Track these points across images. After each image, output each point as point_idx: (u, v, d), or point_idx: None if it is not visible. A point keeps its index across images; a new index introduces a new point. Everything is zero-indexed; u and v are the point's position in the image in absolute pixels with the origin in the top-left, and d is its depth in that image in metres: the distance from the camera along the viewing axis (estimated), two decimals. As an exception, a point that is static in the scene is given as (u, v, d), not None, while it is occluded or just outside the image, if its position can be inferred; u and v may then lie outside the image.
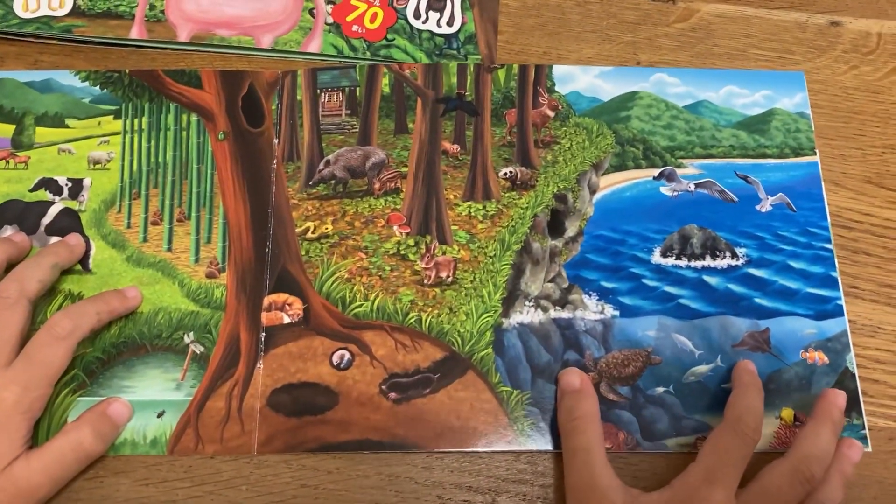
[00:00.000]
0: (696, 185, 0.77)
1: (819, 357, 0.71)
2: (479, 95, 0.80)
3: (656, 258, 0.74)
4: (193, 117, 0.78)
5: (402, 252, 0.74)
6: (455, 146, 0.78)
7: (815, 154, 0.79)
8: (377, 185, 0.76)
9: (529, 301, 0.72)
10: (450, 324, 0.71)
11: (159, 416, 0.67)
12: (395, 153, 0.78)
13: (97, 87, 0.79)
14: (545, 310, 0.72)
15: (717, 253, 0.74)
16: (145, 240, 0.74)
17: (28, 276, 0.67)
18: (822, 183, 0.78)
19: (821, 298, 0.73)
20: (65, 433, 0.63)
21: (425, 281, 0.72)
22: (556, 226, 0.75)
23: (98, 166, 0.76)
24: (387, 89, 0.80)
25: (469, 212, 0.75)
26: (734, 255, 0.74)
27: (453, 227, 0.75)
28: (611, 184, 0.77)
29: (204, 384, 0.69)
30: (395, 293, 0.72)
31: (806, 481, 0.61)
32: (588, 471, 0.63)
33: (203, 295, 0.72)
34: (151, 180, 0.76)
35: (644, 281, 0.73)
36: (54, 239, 0.73)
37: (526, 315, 0.72)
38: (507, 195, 0.76)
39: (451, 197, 0.76)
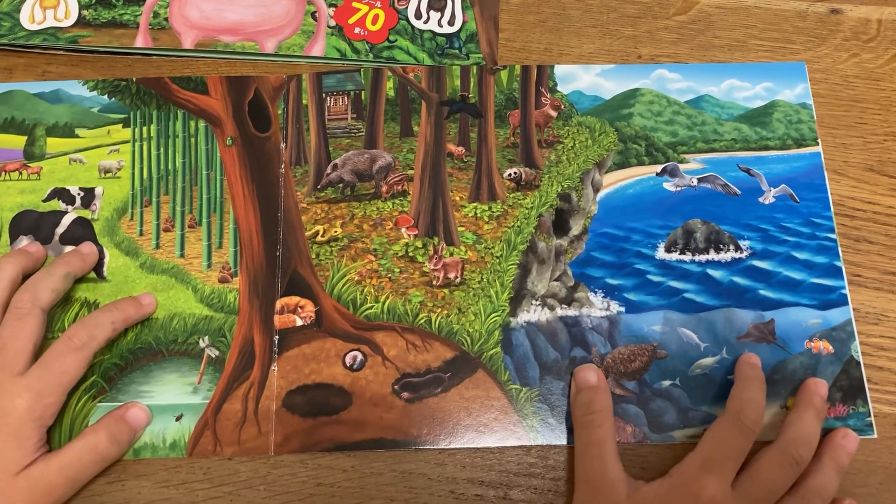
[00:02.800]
0: (699, 180, 0.77)
1: (824, 346, 0.72)
2: (483, 97, 0.81)
3: (660, 254, 0.75)
4: (201, 124, 0.79)
5: (411, 254, 0.74)
6: (460, 148, 0.79)
7: (817, 144, 0.79)
8: (384, 188, 0.77)
9: (536, 300, 0.73)
10: (459, 324, 0.72)
11: (178, 419, 0.68)
12: (402, 156, 0.78)
13: (105, 96, 0.80)
14: (552, 308, 0.73)
15: (721, 246, 0.75)
16: (158, 246, 0.75)
17: (41, 287, 0.68)
18: (825, 172, 0.78)
19: (825, 288, 0.74)
20: (82, 437, 0.65)
21: (434, 282, 0.73)
22: (560, 225, 0.76)
23: (109, 175, 0.77)
24: (391, 93, 0.81)
25: (475, 213, 0.76)
26: (738, 248, 0.75)
27: (460, 229, 0.76)
28: (614, 181, 0.78)
29: (220, 387, 0.70)
30: (405, 294, 0.73)
31: (795, 463, 0.63)
32: (601, 463, 0.64)
33: (216, 300, 0.73)
34: (162, 187, 0.77)
35: (649, 277, 0.74)
36: (69, 248, 0.74)
37: (533, 314, 0.73)
38: (512, 196, 0.77)
39: (458, 199, 0.77)
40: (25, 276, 0.70)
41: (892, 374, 0.72)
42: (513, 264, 0.74)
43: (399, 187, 0.77)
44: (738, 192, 0.77)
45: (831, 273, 0.74)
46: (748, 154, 0.79)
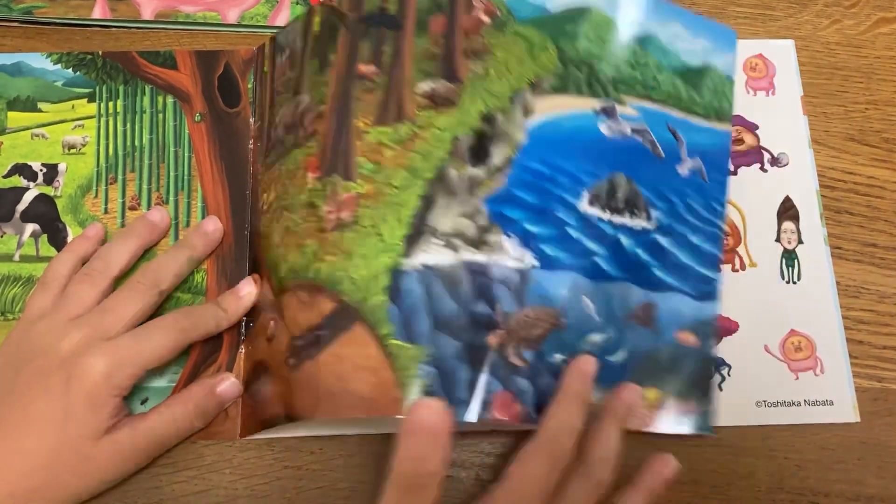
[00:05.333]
0: (632, 130, 0.71)
1: (691, 339, 0.68)
2: (404, 3, 0.70)
3: (584, 206, 0.66)
4: (169, 99, 0.78)
5: (313, 200, 0.65)
6: (370, 67, 0.69)
7: (730, 124, 0.76)
8: (302, 134, 0.70)
9: (438, 238, 0.62)
10: (343, 270, 0.61)
11: (143, 402, 0.67)
12: (318, 92, 0.70)
13: (70, 70, 0.80)
14: (456, 249, 0.62)
15: (636, 211, 0.68)
16: (123, 225, 0.74)
17: (165, 270, 0.68)
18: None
19: (705, 279, 0.69)
20: (170, 405, 0.64)
21: (326, 226, 0.63)
22: (479, 152, 0.66)
23: (73, 151, 0.77)
24: (316, 27, 0.73)
25: (378, 139, 0.66)
26: (649, 217, 0.69)
27: (359, 159, 0.65)
28: (548, 108, 0.69)
29: (187, 370, 0.68)
30: (302, 246, 0.64)
31: (599, 485, 0.56)
32: None
33: (183, 280, 0.71)
34: (128, 164, 0.77)
35: (567, 229, 0.66)
36: (30, 226, 0.74)
37: (432, 255, 0.61)
38: (423, 114, 0.66)
39: (362, 125, 0.66)
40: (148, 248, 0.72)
41: (872, 349, 0.71)
42: (414, 195, 0.63)
43: (312, 128, 0.69)
44: (663, 154, 0.71)
45: (713, 265, 0.70)
46: (678, 114, 0.73)
